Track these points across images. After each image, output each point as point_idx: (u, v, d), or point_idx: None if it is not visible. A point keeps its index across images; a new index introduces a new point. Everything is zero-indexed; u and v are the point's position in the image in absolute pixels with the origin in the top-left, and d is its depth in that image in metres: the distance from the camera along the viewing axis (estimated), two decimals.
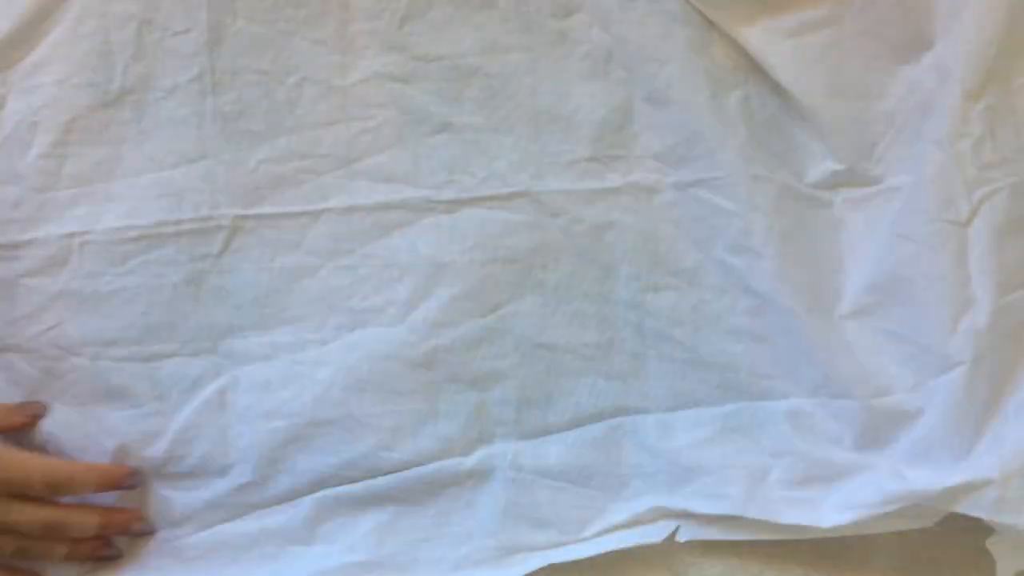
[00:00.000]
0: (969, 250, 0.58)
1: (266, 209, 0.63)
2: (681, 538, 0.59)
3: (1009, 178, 0.58)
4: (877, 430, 0.60)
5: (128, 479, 0.61)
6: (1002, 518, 0.55)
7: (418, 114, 0.63)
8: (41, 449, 0.62)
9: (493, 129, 0.63)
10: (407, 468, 0.61)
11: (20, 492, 0.58)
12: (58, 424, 0.62)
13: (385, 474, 0.61)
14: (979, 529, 0.58)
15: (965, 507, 0.56)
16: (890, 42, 0.62)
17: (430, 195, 0.62)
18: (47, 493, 0.59)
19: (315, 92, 0.63)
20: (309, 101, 0.63)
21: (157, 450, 0.62)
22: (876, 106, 0.62)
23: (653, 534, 0.60)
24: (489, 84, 0.63)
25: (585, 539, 0.60)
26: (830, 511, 0.59)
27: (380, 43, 0.63)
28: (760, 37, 0.62)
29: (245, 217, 0.62)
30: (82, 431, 0.62)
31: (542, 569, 0.59)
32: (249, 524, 0.61)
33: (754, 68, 0.62)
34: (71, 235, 0.62)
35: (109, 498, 0.62)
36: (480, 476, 0.61)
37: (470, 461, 0.61)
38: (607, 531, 0.60)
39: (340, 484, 0.61)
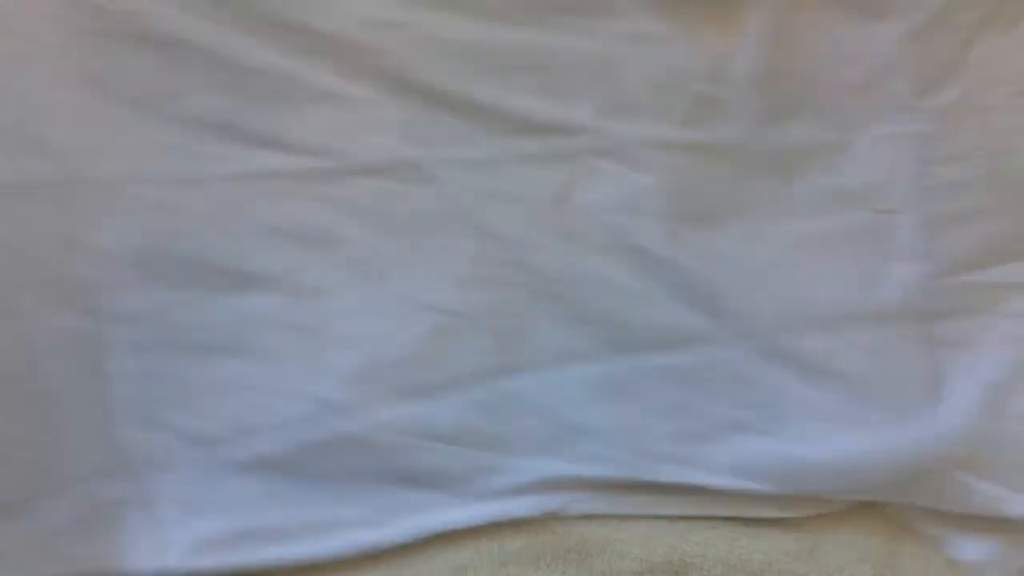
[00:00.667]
0: (896, 235, 0.61)
1: (153, 174, 0.62)
2: (568, 512, 0.59)
3: (950, 175, 0.62)
4: (775, 391, 0.60)
5: None
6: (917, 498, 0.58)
7: (299, 82, 0.62)
8: None
9: (383, 103, 0.63)
10: (288, 433, 0.61)
11: None
12: None
13: (265, 438, 0.61)
14: None
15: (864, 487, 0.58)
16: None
17: (317, 164, 0.62)
18: None
19: (202, 60, 0.62)
20: (202, 72, 0.62)
21: None
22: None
23: (541, 506, 0.60)
24: (377, 58, 0.63)
25: (471, 502, 0.60)
26: (721, 473, 0.59)
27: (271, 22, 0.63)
28: None
29: (126, 181, 0.62)
30: None
31: (546, 551, 0.59)
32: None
33: None
34: None
35: None
36: (364, 440, 0.61)
37: (354, 425, 0.61)
38: (494, 495, 0.60)
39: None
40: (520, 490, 0.60)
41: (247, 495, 0.60)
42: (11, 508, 0.59)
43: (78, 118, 0.62)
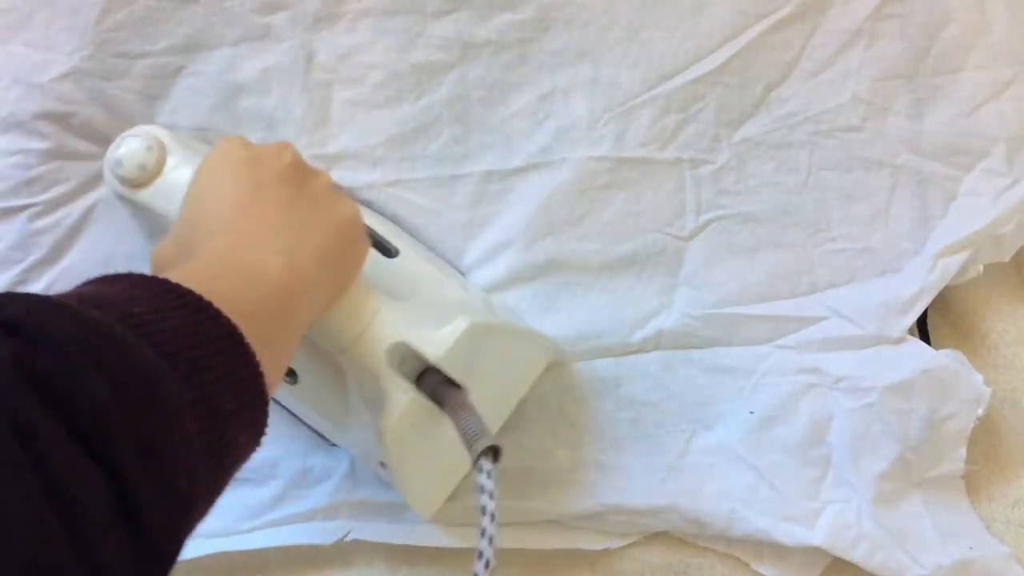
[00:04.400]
0: (684, 262, 0.62)
1: None
2: (349, 537, 0.60)
3: (742, 208, 0.62)
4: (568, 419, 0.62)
5: None
6: None
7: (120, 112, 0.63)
8: None
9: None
10: None
11: None
12: None
13: None
14: None
15: None
16: None
17: None
18: None
19: None
20: None
21: None
22: None
23: (326, 534, 0.60)
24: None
25: (259, 528, 0.61)
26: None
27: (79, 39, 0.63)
28: None
29: None
30: None
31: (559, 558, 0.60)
32: None
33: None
34: None
35: None
36: None
37: None
38: (282, 521, 0.61)
39: None
40: (311, 516, 0.61)
41: None
42: None
43: None
